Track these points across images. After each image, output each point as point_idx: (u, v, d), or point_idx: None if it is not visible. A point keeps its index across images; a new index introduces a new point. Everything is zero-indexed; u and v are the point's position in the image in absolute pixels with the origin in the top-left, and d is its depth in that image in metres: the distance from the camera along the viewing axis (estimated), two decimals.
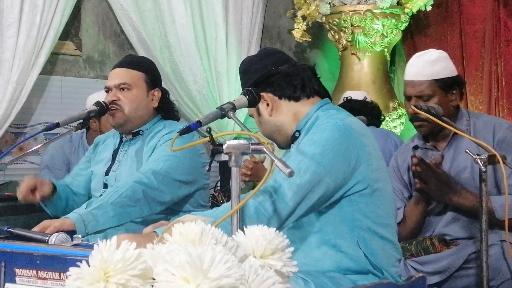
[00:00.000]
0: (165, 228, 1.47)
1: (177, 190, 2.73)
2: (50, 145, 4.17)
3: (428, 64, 2.91)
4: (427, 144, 3.01)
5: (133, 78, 2.86)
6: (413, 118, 2.94)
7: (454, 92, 2.92)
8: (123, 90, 2.84)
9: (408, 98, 2.96)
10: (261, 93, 2.23)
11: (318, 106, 2.24)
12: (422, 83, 2.90)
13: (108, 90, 2.88)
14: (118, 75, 2.87)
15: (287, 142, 2.29)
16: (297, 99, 2.24)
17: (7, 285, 1.74)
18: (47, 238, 2.03)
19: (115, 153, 2.91)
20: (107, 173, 2.86)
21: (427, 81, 2.89)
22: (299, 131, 2.23)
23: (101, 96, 4.21)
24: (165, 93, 2.95)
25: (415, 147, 3.06)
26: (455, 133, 2.89)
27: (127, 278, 1.14)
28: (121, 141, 2.94)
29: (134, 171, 2.76)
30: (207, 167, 1.91)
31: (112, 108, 2.83)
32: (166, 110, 2.95)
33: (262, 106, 2.25)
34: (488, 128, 2.85)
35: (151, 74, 2.93)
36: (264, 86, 2.24)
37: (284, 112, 2.25)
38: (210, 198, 3.74)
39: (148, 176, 2.64)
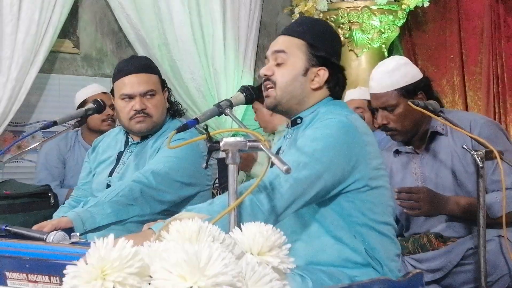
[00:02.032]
0: (162, 225, 1.47)
1: (179, 190, 2.70)
2: (45, 143, 4.17)
3: (386, 75, 2.89)
4: (407, 147, 3.00)
5: (155, 83, 2.81)
6: (384, 128, 2.94)
7: (419, 96, 2.89)
8: (148, 96, 2.78)
9: (376, 109, 2.97)
10: (323, 67, 2.20)
11: (326, 101, 2.24)
12: (383, 95, 2.89)
13: (129, 97, 2.77)
14: (142, 82, 2.77)
15: (289, 111, 2.25)
16: (333, 95, 2.25)
17: None
18: (45, 236, 2.03)
19: (120, 154, 2.87)
20: (110, 174, 2.83)
21: (388, 92, 2.88)
22: (301, 118, 2.22)
23: (88, 91, 4.25)
24: (169, 91, 2.93)
25: (396, 151, 3.05)
26: (431, 134, 2.90)
27: (124, 276, 1.15)
28: (126, 142, 2.90)
29: None
30: (204, 164, 1.89)
31: (141, 116, 2.76)
32: (175, 108, 2.93)
33: (312, 73, 2.20)
34: (464, 124, 2.83)
35: (160, 75, 2.89)
36: (330, 65, 2.22)
37: (315, 96, 2.23)
38: None
39: (147, 176, 2.62)
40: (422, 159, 2.94)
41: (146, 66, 2.84)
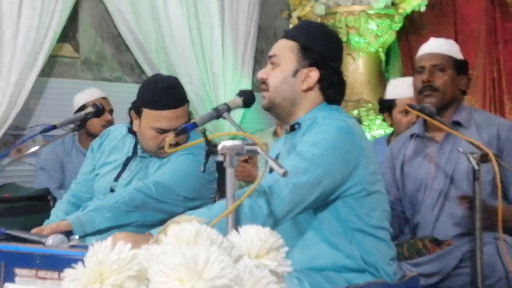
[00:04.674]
0: (161, 228, 1.48)
1: (181, 203, 2.68)
2: (42, 148, 4.17)
3: (446, 43, 3.06)
4: (426, 134, 2.99)
5: (187, 112, 2.78)
6: (427, 87, 2.92)
7: (464, 76, 3.02)
8: None
9: (420, 71, 2.98)
10: (314, 68, 2.21)
11: (323, 106, 2.24)
12: (439, 56, 2.99)
13: (164, 131, 2.69)
14: (179, 116, 2.70)
15: (284, 112, 2.25)
16: (329, 98, 2.24)
17: (6, 284, 1.74)
18: (44, 239, 2.04)
19: (127, 159, 2.82)
20: (116, 179, 2.79)
21: (445, 55, 2.99)
22: (299, 124, 2.22)
23: (87, 96, 4.25)
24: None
25: (413, 135, 3.03)
26: (454, 125, 2.87)
27: (122, 279, 1.15)
28: (135, 148, 2.84)
29: None
30: (202, 168, 1.91)
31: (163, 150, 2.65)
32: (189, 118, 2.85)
33: (302, 74, 2.21)
34: (491, 124, 2.84)
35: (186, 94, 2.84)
36: (323, 66, 2.22)
37: (308, 98, 2.23)
38: None
39: (149, 187, 2.62)
40: (440, 148, 2.92)
41: (182, 97, 2.76)
